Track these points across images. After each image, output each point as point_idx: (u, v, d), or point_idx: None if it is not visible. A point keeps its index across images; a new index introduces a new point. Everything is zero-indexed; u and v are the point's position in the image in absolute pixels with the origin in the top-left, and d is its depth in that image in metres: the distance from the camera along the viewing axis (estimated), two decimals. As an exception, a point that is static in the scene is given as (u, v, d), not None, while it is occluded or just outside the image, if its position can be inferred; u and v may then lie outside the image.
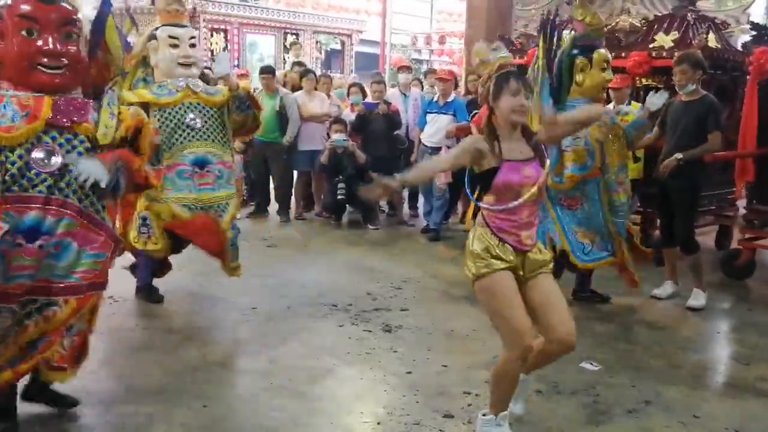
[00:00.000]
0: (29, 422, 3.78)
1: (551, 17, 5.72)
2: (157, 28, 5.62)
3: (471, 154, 3.64)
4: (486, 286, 3.62)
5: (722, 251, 8.01)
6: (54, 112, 3.49)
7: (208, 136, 5.62)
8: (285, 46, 17.52)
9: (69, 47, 3.52)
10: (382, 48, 21.48)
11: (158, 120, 5.48)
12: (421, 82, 11.97)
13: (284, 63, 16.21)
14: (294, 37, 17.56)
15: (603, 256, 5.95)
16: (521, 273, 3.65)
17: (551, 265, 3.80)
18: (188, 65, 5.60)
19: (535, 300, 3.65)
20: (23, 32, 3.43)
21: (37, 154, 3.42)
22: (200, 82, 5.73)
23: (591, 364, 4.89)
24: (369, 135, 9.53)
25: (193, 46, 5.66)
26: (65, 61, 3.51)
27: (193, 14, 5.82)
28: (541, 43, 5.76)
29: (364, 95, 9.99)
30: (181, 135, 5.52)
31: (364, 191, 3.86)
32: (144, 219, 5.59)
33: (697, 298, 6.25)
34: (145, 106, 5.25)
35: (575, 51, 5.86)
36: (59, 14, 3.49)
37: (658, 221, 6.91)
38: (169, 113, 5.52)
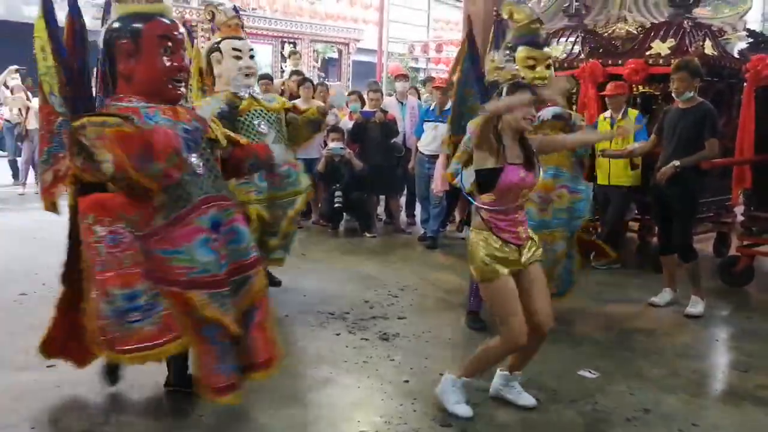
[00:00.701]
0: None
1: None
2: (219, 41, 5.94)
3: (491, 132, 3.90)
4: (490, 289, 3.98)
5: (720, 258, 8.01)
6: (188, 117, 3.82)
7: (276, 141, 5.92)
8: (282, 55, 17.52)
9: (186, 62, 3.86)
10: (379, 57, 21.51)
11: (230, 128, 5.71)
12: (418, 91, 11.98)
13: (281, 72, 16.21)
14: (291, 46, 17.57)
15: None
16: (522, 263, 4.01)
17: (541, 251, 4.15)
18: (250, 75, 5.96)
19: (523, 285, 4.01)
20: (162, 50, 3.68)
21: (194, 159, 3.68)
22: (259, 90, 6.09)
23: (589, 372, 4.87)
24: (366, 143, 9.54)
25: (252, 57, 6.01)
26: (186, 75, 3.88)
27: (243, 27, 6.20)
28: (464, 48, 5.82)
29: (363, 103, 9.99)
30: (253, 140, 5.70)
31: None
32: None
33: (696, 306, 6.23)
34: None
35: (507, 52, 5.74)
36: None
37: (656, 228, 6.90)
38: (242, 121, 5.81)
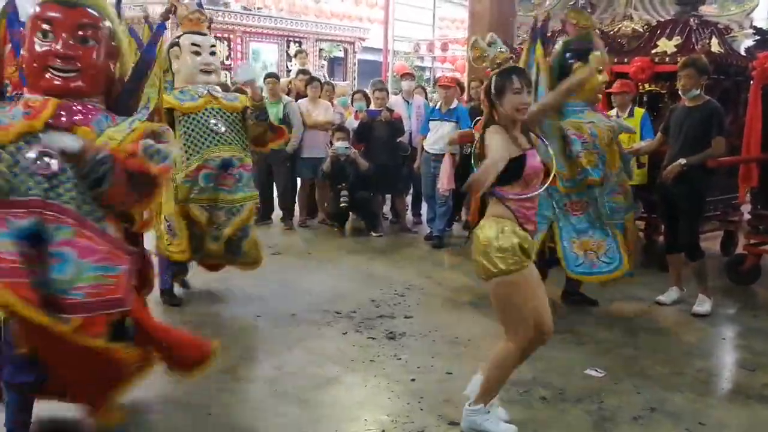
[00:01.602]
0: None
1: (540, 23, 5.73)
2: (179, 36, 5.81)
3: (506, 140, 3.73)
4: (514, 281, 3.73)
5: (727, 257, 7.99)
6: (56, 113, 3.35)
7: (232, 140, 5.81)
8: (288, 54, 17.54)
9: (82, 51, 3.41)
10: (384, 55, 21.48)
11: (183, 125, 5.68)
12: (424, 90, 11.97)
13: (287, 71, 16.23)
14: (297, 45, 17.58)
15: (593, 272, 5.89)
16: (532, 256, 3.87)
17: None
18: (209, 72, 5.82)
19: None
20: (38, 34, 3.37)
21: (30, 154, 3.23)
22: (219, 89, 5.91)
23: (596, 370, 4.88)
24: (372, 142, 9.53)
25: (213, 54, 5.88)
26: (78, 65, 3.41)
27: (210, 24, 6.00)
28: (536, 48, 5.75)
29: (368, 103, 9.99)
30: (206, 140, 5.68)
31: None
32: (169, 223, 5.72)
33: (703, 304, 6.22)
34: (170, 111, 5.47)
35: (568, 55, 5.81)
36: (73, 17, 3.40)
37: (663, 227, 6.88)
38: (194, 118, 5.69)
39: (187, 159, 5.65)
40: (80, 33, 3.41)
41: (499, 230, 3.72)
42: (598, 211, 5.85)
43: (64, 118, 3.35)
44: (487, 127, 3.84)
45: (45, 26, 3.36)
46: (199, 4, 6.13)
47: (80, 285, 3.19)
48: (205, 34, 5.89)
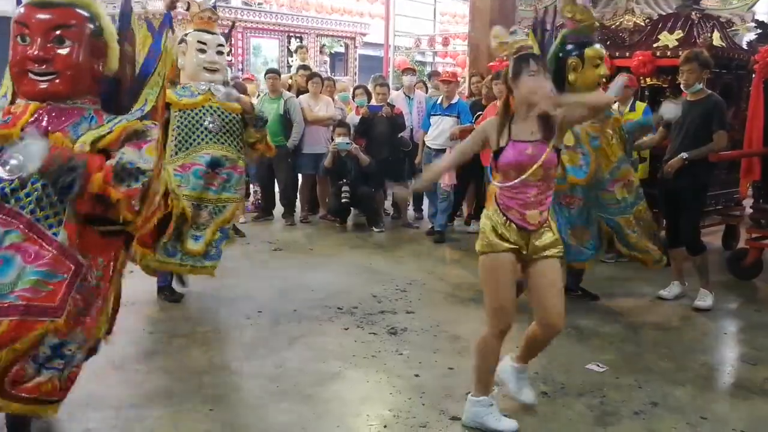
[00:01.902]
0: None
1: (543, 18, 5.71)
2: (187, 33, 5.83)
3: (480, 137, 3.88)
4: (486, 263, 3.83)
5: (729, 251, 7.99)
6: (34, 118, 3.29)
7: (225, 140, 5.78)
8: (289, 50, 17.53)
9: (57, 52, 3.29)
10: (385, 51, 21.43)
11: (177, 120, 5.68)
12: (426, 85, 11.96)
13: (288, 66, 16.22)
14: (298, 40, 17.56)
15: (579, 258, 5.92)
16: (525, 252, 3.83)
17: (560, 248, 3.92)
18: (213, 71, 5.81)
19: (534, 282, 3.88)
20: (18, 38, 3.31)
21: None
22: (222, 88, 5.87)
23: (597, 365, 4.87)
24: (373, 138, 9.53)
25: (220, 53, 5.86)
26: (55, 67, 3.30)
27: (232, 27, 5.97)
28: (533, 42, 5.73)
29: (369, 98, 9.98)
30: (198, 137, 5.67)
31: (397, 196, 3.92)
32: None
33: (704, 299, 6.22)
34: (168, 106, 5.38)
35: (567, 49, 5.79)
36: (47, 18, 3.30)
37: (664, 221, 6.88)
38: (188, 114, 5.69)
39: (175, 154, 5.64)
40: (56, 33, 3.31)
41: (485, 214, 3.89)
42: (588, 208, 5.86)
43: (40, 125, 3.28)
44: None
45: (23, 30, 3.30)
46: (214, 5, 6.11)
47: (17, 289, 3.10)
48: (214, 33, 5.89)
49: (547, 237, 3.86)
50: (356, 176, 9.28)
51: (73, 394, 3.79)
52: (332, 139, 9.60)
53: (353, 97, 10.41)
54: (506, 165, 3.76)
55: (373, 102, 9.77)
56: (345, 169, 9.31)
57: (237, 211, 6.02)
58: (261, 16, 17.63)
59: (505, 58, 4.14)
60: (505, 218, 3.79)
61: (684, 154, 6.01)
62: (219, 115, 5.75)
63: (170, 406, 4.17)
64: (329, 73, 15.21)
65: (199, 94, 5.72)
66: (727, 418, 4.20)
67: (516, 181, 3.73)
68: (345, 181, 9.30)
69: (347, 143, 9.28)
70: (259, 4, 22.40)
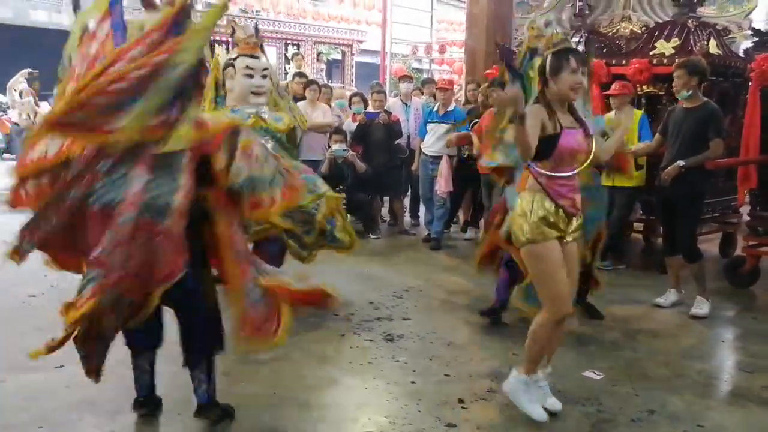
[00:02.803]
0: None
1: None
2: (235, 58, 5.99)
3: (537, 123, 3.80)
4: (537, 251, 3.92)
5: (726, 259, 7.99)
6: None
7: (282, 156, 5.91)
8: (286, 57, 17.55)
9: None
10: (382, 58, 21.47)
11: None
12: (420, 90, 11.97)
13: (285, 74, 16.23)
14: (295, 48, 17.58)
15: None
16: (564, 236, 3.97)
17: (581, 231, 4.12)
18: (259, 94, 5.99)
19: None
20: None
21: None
22: (267, 110, 6.07)
23: (594, 372, 4.86)
24: (370, 144, 9.54)
25: (264, 77, 6.02)
26: None
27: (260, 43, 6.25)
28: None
29: (366, 105, 9.99)
30: None
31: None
32: None
33: (701, 307, 6.21)
34: None
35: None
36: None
37: (661, 229, 6.87)
38: None
39: None
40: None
41: (530, 201, 3.92)
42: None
43: None
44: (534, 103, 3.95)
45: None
46: (256, 28, 6.30)
47: None
48: (258, 57, 6.05)
49: (578, 221, 4.04)
50: (353, 183, 9.28)
51: (68, 399, 3.79)
52: (329, 146, 9.59)
53: (350, 105, 10.41)
54: (564, 151, 3.84)
55: (370, 109, 9.79)
56: (342, 175, 9.31)
57: (334, 202, 6.36)
58: (259, 24, 17.63)
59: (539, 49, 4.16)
60: (555, 206, 3.89)
61: (680, 162, 6.01)
62: (272, 136, 5.97)
63: (166, 412, 4.15)
64: (325, 81, 15.22)
65: (248, 117, 5.87)
66: (724, 426, 4.19)
67: (576, 169, 3.89)
68: (342, 187, 9.29)
69: (344, 150, 9.29)
70: (256, 12, 22.44)
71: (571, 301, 4.05)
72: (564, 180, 3.91)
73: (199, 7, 20.17)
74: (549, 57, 3.92)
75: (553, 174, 3.88)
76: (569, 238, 4.00)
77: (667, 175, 6.07)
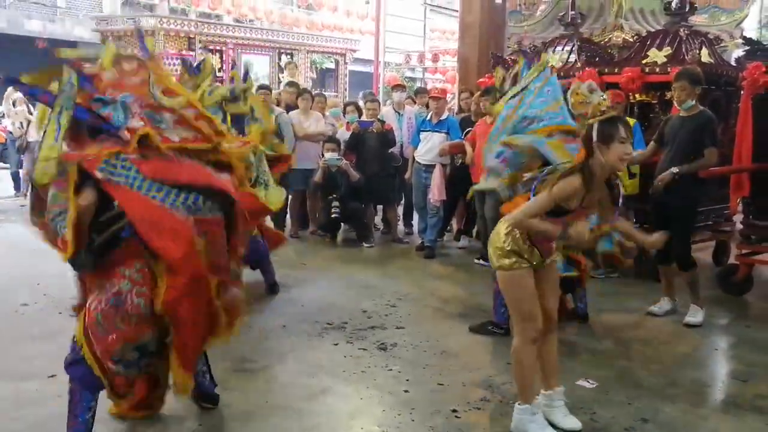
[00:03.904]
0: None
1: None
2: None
3: (564, 200, 3.78)
4: (507, 277, 3.99)
5: (719, 267, 7.99)
6: None
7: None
8: (279, 66, 17.56)
9: None
10: (375, 66, 21.52)
11: None
12: (413, 100, 11.99)
13: (279, 82, 16.24)
14: (288, 57, 17.60)
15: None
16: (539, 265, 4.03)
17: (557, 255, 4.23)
18: None
19: (540, 284, 4.02)
20: None
21: None
22: None
23: (587, 381, 4.85)
24: (363, 153, 9.55)
25: None
26: None
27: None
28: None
29: (360, 114, 10.00)
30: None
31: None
32: None
33: (695, 315, 6.21)
34: None
35: None
36: None
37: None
38: None
39: None
40: None
41: (507, 232, 3.94)
42: None
43: None
44: (574, 172, 3.79)
45: None
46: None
47: None
48: None
49: (553, 256, 4.16)
50: (346, 191, 9.28)
51: (60, 408, 3.77)
52: (323, 155, 9.60)
53: (344, 113, 10.42)
54: (566, 221, 3.83)
55: (364, 118, 9.80)
56: (335, 184, 9.32)
57: None
58: (252, 33, 17.67)
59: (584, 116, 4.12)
60: (529, 246, 3.93)
61: (674, 169, 6.01)
62: None
63: (158, 420, 4.14)
64: (315, 90, 15.23)
65: None
66: (718, 434, 4.19)
67: (563, 229, 3.84)
68: (335, 196, 9.30)
69: (338, 159, 9.30)
70: (250, 21, 22.47)
71: (552, 319, 4.11)
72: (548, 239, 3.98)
73: (192, 16, 20.24)
74: (597, 125, 3.81)
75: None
76: (547, 261, 4.07)
77: (661, 182, 6.08)
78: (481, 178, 5.46)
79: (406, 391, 4.65)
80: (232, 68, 15.07)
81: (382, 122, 9.59)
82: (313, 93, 10.82)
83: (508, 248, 3.92)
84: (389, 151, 9.68)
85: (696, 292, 6.28)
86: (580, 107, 4.17)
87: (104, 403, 4.17)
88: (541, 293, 4.02)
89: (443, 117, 8.98)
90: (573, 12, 9.40)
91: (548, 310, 4.07)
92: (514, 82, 5.61)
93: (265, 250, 6.83)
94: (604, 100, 4.04)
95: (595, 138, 3.78)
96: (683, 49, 7.85)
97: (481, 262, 8.15)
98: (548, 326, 4.07)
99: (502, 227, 4.00)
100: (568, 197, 3.75)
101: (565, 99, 4.54)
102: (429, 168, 8.91)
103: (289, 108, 10.15)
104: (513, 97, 4.89)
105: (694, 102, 6.12)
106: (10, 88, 13.75)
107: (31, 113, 13.30)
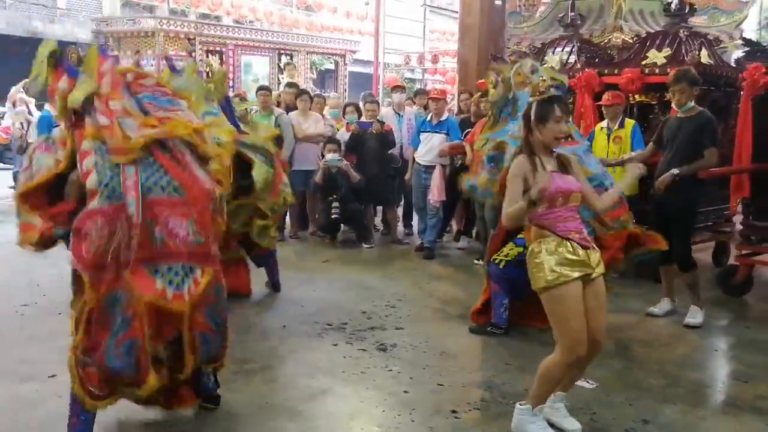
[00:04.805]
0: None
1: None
2: None
3: (519, 179, 3.84)
4: (554, 295, 3.83)
5: (719, 268, 7.99)
6: None
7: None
8: (279, 67, 17.57)
9: None
10: (375, 68, 21.53)
11: None
12: (413, 101, 11.99)
13: (278, 83, 16.25)
14: (288, 57, 17.61)
15: None
16: (589, 272, 3.88)
17: (602, 265, 4.00)
18: None
19: (587, 301, 3.86)
20: None
21: None
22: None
23: (587, 382, 4.84)
24: (363, 154, 9.55)
25: None
26: None
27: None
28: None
29: (359, 115, 10.00)
30: None
31: None
32: None
33: (695, 316, 6.21)
34: None
35: None
36: None
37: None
38: None
39: None
40: None
41: (540, 251, 3.86)
42: None
43: None
44: (520, 152, 3.98)
45: None
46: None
47: None
48: None
49: (597, 254, 3.98)
50: (346, 192, 9.28)
51: (60, 409, 3.77)
52: (323, 156, 9.60)
53: (344, 114, 10.41)
54: (556, 193, 3.82)
55: (363, 119, 9.79)
56: (335, 185, 9.31)
57: None
58: (252, 34, 17.69)
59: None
60: (567, 242, 3.84)
61: (675, 170, 6.00)
62: None
63: (158, 421, 4.13)
64: (315, 90, 15.24)
65: None
66: (718, 434, 4.19)
67: (568, 207, 3.88)
68: (335, 197, 9.29)
69: (338, 159, 9.29)
70: (250, 22, 22.49)
71: (598, 343, 3.94)
72: (563, 215, 3.88)
73: (192, 18, 20.24)
74: (535, 105, 3.94)
75: (551, 212, 3.86)
76: (594, 274, 3.90)
77: (662, 184, 6.06)
78: (472, 178, 5.51)
79: (405, 392, 4.65)
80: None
81: (382, 123, 9.59)
82: (313, 94, 10.83)
83: (552, 263, 3.80)
84: (389, 152, 9.67)
85: (696, 293, 6.28)
86: (521, 87, 4.21)
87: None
88: (590, 311, 3.87)
89: (443, 118, 8.98)
90: (573, 13, 9.40)
91: (594, 332, 3.88)
92: (506, 87, 5.67)
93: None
94: (544, 80, 4.08)
95: (532, 117, 3.91)
96: (683, 51, 7.84)
97: (481, 263, 8.14)
98: (593, 348, 3.92)
99: (532, 252, 3.92)
100: (521, 173, 3.82)
101: None
102: (429, 169, 8.91)
103: (289, 109, 10.15)
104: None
105: (692, 103, 6.12)
106: (13, 88, 13.78)
107: (31, 113, 13.30)
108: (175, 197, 3.57)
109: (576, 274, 3.81)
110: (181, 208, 3.58)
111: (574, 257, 3.82)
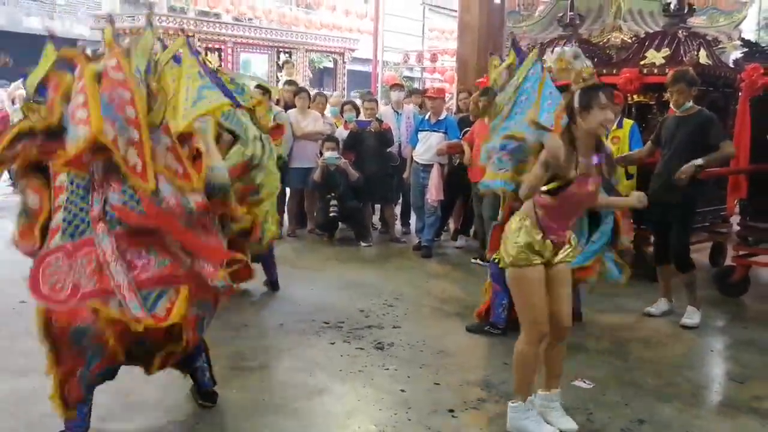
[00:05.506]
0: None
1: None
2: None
3: (553, 164, 3.73)
4: (517, 275, 3.95)
5: (716, 268, 8.00)
6: None
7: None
8: (278, 65, 17.58)
9: None
10: (374, 66, 21.50)
11: None
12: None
13: (277, 81, 16.25)
14: (287, 55, 17.61)
15: None
16: (551, 260, 3.97)
17: (573, 255, 4.12)
18: None
19: (551, 287, 3.97)
20: None
21: None
22: None
23: (584, 381, 4.85)
24: (361, 153, 9.55)
25: None
26: None
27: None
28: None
29: (358, 113, 10.00)
30: None
31: None
32: None
33: (692, 316, 6.21)
34: None
35: None
36: None
37: (653, 238, 6.88)
38: None
39: None
40: None
41: (519, 225, 3.91)
42: None
43: None
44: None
45: None
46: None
47: None
48: None
49: (570, 247, 4.06)
50: (345, 191, 9.28)
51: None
52: (321, 154, 9.60)
53: (342, 112, 10.41)
54: (571, 198, 3.84)
55: (362, 117, 9.80)
56: (334, 183, 9.31)
57: None
58: (251, 32, 17.69)
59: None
60: (542, 235, 3.89)
61: (698, 161, 5.86)
62: None
63: (155, 418, 4.15)
64: (312, 88, 15.24)
65: None
66: (714, 434, 4.20)
67: (573, 212, 3.96)
68: (333, 195, 9.29)
69: (336, 157, 9.30)
70: (249, 19, 22.45)
71: (564, 329, 4.04)
72: (557, 220, 3.92)
73: (191, 14, 20.22)
74: (578, 92, 3.89)
75: (552, 211, 3.87)
76: (557, 260, 3.98)
77: (683, 174, 5.94)
78: (485, 177, 5.41)
79: (402, 391, 4.66)
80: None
81: (380, 121, 9.59)
82: (314, 93, 10.82)
83: (521, 242, 3.87)
84: (387, 150, 9.67)
85: (693, 293, 6.29)
86: (563, 74, 4.16)
87: (101, 398, 4.17)
88: (553, 296, 3.98)
89: (441, 117, 8.99)
90: (572, 13, 9.40)
91: (560, 315, 4.00)
92: (509, 74, 5.62)
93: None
94: (587, 67, 4.03)
95: (576, 104, 3.85)
96: (681, 51, 7.85)
97: (479, 261, 8.16)
98: (560, 334, 4.03)
99: (513, 222, 3.98)
100: (555, 156, 3.69)
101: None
102: (427, 168, 8.91)
103: (288, 107, 10.15)
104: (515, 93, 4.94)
105: (691, 103, 6.13)
106: (12, 85, 13.76)
107: (28, 111, 13.30)
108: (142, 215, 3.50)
109: (538, 260, 3.90)
110: (139, 237, 3.55)
111: (542, 250, 3.90)
